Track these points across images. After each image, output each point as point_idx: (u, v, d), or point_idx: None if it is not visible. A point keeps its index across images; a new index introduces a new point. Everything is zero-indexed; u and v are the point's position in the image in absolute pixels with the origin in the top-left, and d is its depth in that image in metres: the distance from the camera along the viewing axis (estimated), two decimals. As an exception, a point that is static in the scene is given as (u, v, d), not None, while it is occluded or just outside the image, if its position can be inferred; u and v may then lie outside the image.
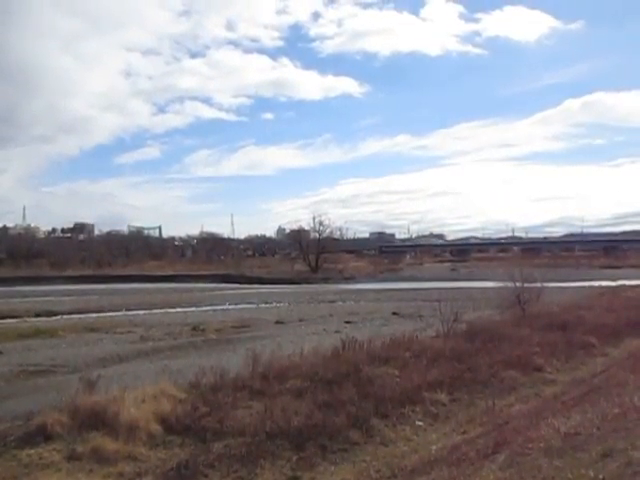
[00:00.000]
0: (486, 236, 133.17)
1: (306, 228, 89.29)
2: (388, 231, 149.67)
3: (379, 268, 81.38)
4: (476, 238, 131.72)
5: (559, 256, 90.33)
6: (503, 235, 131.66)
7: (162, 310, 31.07)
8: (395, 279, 66.33)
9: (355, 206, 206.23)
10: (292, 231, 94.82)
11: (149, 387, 8.73)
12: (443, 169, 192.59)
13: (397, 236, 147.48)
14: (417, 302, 31.89)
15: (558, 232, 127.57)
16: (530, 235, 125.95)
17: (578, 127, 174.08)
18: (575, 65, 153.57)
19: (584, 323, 15.62)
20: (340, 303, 34.74)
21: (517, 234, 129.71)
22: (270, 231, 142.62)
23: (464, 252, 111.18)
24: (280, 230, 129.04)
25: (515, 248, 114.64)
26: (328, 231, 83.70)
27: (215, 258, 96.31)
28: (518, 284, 19.23)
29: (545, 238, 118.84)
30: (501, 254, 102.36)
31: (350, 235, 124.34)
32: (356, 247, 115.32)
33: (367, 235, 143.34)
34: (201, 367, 9.94)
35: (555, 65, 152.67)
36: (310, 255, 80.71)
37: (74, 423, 7.33)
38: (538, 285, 19.72)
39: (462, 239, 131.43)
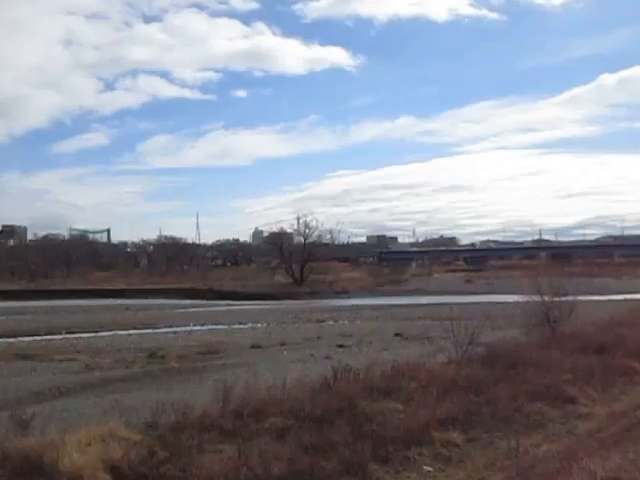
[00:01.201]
0: (507, 240, 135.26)
1: (289, 231, 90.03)
2: (389, 234, 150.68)
3: (378, 280, 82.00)
4: (495, 242, 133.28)
5: (595, 263, 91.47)
6: (527, 239, 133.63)
7: (111, 332, 31.27)
8: (398, 293, 66.92)
9: (348, 204, 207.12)
10: (271, 235, 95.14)
11: (96, 427, 8.65)
12: (454, 159, 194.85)
13: (400, 240, 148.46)
14: (424, 321, 32.85)
15: (593, 234, 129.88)
16: (560, 238, 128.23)
17: (615, 108, 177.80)
18: (610, 34, 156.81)
19: (625, 345, 15.85)
20: (331, 323, 35.51)
21: (544, 237, 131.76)
22: (244, 235, 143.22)
23: (481, 259, 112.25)
24: (257, 234, 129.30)
25: (542, 254, 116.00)
26: (315, 234, 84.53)
27: (177, 268, 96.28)
28: (546, 298, 19.43)
29: (578, 242, 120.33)
30: (525, 261, 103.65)
31: (343, 239, 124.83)
32: (350, 254, 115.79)
33: (364, 239, 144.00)
34: (160, 402, 9.86)
35: (586, 33, 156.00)
36: (294, 264, 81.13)
37: (2, 473, 7.25)
38: (570, 299, 19.93)
39: (478, 243, 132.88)
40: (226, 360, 20.21)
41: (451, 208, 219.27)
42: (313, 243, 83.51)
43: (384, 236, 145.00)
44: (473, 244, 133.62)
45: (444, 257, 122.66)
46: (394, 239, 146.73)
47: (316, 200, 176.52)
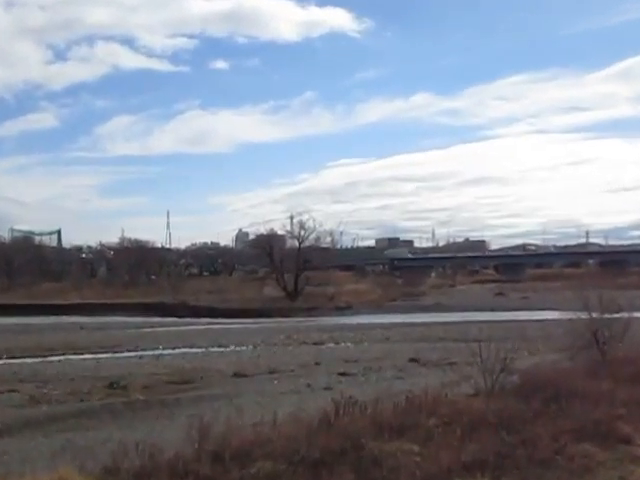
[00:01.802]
0: (547, 244, 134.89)
1: (280, 233, 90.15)
2: (403, 237, 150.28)
3: (390, 292, 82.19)
4: (532, 247, 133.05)
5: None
6: (571, 242, 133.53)
7: (63, 357, 31.29)
8: (414, 309, 67.16)
9: (352, 200, 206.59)
10: (259, 237, 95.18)
11: (43, 474, 8.64)
12: (481, 144, 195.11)
13: (416, 244, 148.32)
14: (446, 343, 33.24)
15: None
16: (611, 242, 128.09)
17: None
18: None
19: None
20: (331, 345, 35.81)
21: (593, 240, 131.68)
22: (225, 238, 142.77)
23: (515, 268, 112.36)
24: (240, 236, 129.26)
25: (590, 261, 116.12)
26: (312, 237, 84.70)
27: (142, 279, 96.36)
28: (595, 315, 19.37)
29: (633, 246, 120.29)
30: (569, 270, 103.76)
31: (346, 243, 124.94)
32: (355, 261, 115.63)
33: (372, 243, 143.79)
34: (121, 443, 9.86)
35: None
36: (286, 274, 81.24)
37: None
38: (624, 316, 20.05)
39: (512, 248, 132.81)
40: (203, 391, 20.32)
41: (478, 205, 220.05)
42: (310, 248, 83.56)
43: (397, 239, 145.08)
44: (505, 249, 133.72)
45: (470, 265, 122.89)
46: (409, 243, 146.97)
47: (313, 195, 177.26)
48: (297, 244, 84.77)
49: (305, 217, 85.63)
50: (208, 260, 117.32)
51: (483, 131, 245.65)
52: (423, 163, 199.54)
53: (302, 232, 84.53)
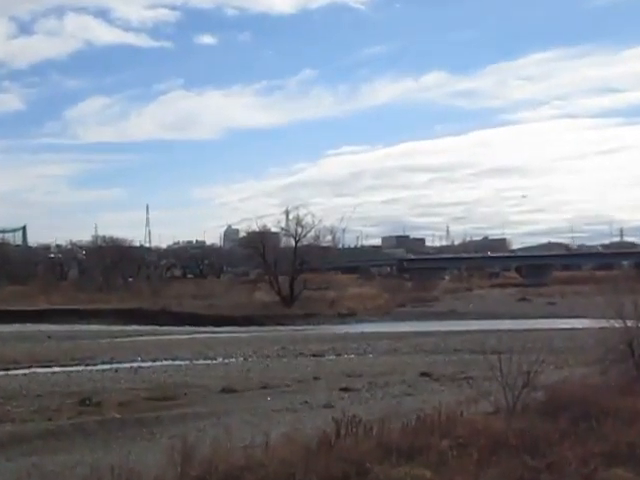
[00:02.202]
0: (575, 242, 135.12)
1: (274, 230, 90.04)
2: (413, 235, 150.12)
3: (398, 298, 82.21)
4: (558, 246, 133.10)
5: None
6: (604, 241, 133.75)
7: (28, 370, 31.19)
8: (425, 316, 67.29)
9: (357, 193, 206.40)
10: (250, 235, 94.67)
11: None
12: (502, 130, 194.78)
13: (428, 243, 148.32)
14: (462, 355, 33.63)
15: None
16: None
17: None
18: None
19: None
20: (332, 358, 36.06)
21: (627, 239, 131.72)
22: (212, 235, 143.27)
23: (540, 270, 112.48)
24: (229, 234, 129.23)
25: (624, 262, 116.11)
26: (311, 235, 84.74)
27: (118, 282, 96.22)
28: (630, 324, 19.31)
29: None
30: (601, 273, 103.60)
31: (349, 242, 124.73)
32: (359, 262, 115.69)
33: (378, 241, 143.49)
34: (95, 467, 9.87)
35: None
36: (281, 276, 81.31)
37: None
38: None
39: (536, 248, 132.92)
40: (187, 409, 20.27)
41: (499, 199, 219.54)
42: (308, 247, 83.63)
43: (406, 237, 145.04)
44: (529, 249, 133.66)
45: (489, 266, 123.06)
46: (420, 241, 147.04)
47: (312, 187, 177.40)
48: (293, 243, 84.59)
49: (303, 212, 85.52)
50: (193, 261, 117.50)
51: (504, 115, 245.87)
52: (437, 151, 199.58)
53: (299, 229, 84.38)
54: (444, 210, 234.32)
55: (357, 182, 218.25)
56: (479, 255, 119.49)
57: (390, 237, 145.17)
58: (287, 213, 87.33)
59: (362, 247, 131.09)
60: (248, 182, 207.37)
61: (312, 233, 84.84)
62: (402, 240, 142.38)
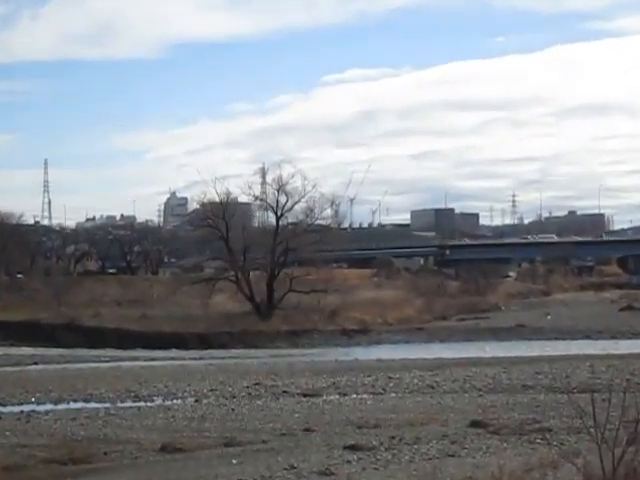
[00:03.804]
0: None
1: (243, 200, 72.55)
2: (460, 207, 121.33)
3: (437, 305, 69.23)
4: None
5: None
6: None
7: None
8: (479, 335, 58.29)
9: (371, 142, 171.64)
10: (204, 208, 72.60)
11: None
12: (593, 46, 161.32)
13: (484, 221, 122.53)
14: (535, 395, 28.26)
15: None
16: None
17: None
18: None
19: None
20: (333, 398, 30.19)
21: None
22: (145, 208, 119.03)
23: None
24: (172, 205, 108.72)
25: None
26: (301, 208, 66.32)
27: (1, 279, 77.28)
28: None
29: None
30: None
31: (361, 218, 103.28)
32: (376, 250, 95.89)
33: (406, 218, 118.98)
34: None
35: None
36: (254, 272, 64.28)
37: None
38: None
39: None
40: (107, 477, 17.36)
41: (591, 153, 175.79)
42: (296, 227, 66.77)
43: (449, 212, 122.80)
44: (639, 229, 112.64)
45: (577, 257, 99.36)
46: (471, 218, 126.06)
47: (300, 133, 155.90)
48: (274, 220, 66.93)
49: (287, 172, 65.87)
50: (116, 247, 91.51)
51: (596, 22, 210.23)
52: (495, 78, 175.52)
53: (282, 199, 65.33)
54: (507, 170, 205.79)
55: (371, 125, 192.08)
56: (562, 240, 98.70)
57: (424, 211, 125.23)
58: (263, 173, 70.01)
59: (381, 227, 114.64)
60: (200, 125, 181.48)
61: (302, 205, 66.62)
62: (443, 216, 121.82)
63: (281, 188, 65.83)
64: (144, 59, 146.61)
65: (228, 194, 68.51)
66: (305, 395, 30.25)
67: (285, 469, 16.49)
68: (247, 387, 32.50)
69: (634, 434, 11.72)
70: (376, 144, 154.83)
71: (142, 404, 29.19)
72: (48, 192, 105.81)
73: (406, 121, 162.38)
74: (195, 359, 46.69)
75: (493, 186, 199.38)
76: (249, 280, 63.82)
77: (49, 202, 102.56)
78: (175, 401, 29.83)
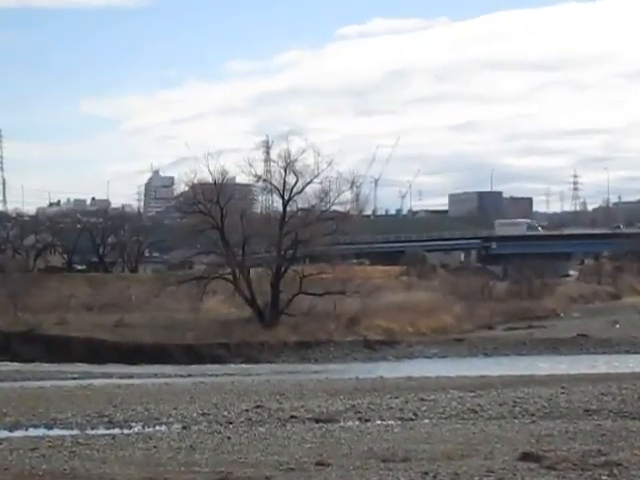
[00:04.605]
0: None
1: (241, 181, 66.39)
2: (509, 190, 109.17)
3: (481, 311, 63.06)
4: None
5: None
6: None
7: None
8: (533, 347, 53.57)
9: (400, 109, 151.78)
10: (195, 190, 65.27)
11: None
12: None
13: (538, 207, 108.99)
14: (600, 421, 25.56)
15: None
16: None
17: None
18: None
19: None
20: (352, 425, 26.25)
21: None
22: (122, 190, 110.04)
23: None
24: (155, 187, 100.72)
25: None
26: (314, 191, 59.64)
27: None
28: None
29: None
30: None
31: (387, 204, 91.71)
32: (406, 242, 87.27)
33: (443, 203, 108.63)
34: None
35: None
36: (255, 268, 58.87)
37: None
38: None
39: None
40: None
41: None
42: (306, 213, 60.15)
43: (496, 195, 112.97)
44: None
45: None
46: (523, 203, 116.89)
47: (313, 98, 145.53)
48: (280, 206, 60.79)
49: (296, 146, 59.47)
50: (85, 238, 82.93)
51: None
52: (549, 31, 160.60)
53: (291, 179, 58.78)
54: (566, 144, 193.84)
55: (400, 89, 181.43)
56: (634, 231, 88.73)
57: (465, 195, 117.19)
58: (267, 148, 66.89)
59: (412, 214, 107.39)
60: (188, 87, 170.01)
61: (315, 187, 60.14)
62: (488, 201, 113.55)
63: (289, 166, 58.80)
64: (120, 6, 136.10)
65: (224, 173, 61.68)
66: (318, 421, 27.33)
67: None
68: (247, 411, 29.60)
69: None
70: (406, 112, 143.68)
71: (117, 431, 26.11)
72: (2, 170, 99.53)
73: (442, 84, 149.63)
74: (182, 376, 42.77)
75: (549, 164, 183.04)
76: (249, 279, 58.00)
77: (3, 182, 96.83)
78: (158, 428, 27.00)
